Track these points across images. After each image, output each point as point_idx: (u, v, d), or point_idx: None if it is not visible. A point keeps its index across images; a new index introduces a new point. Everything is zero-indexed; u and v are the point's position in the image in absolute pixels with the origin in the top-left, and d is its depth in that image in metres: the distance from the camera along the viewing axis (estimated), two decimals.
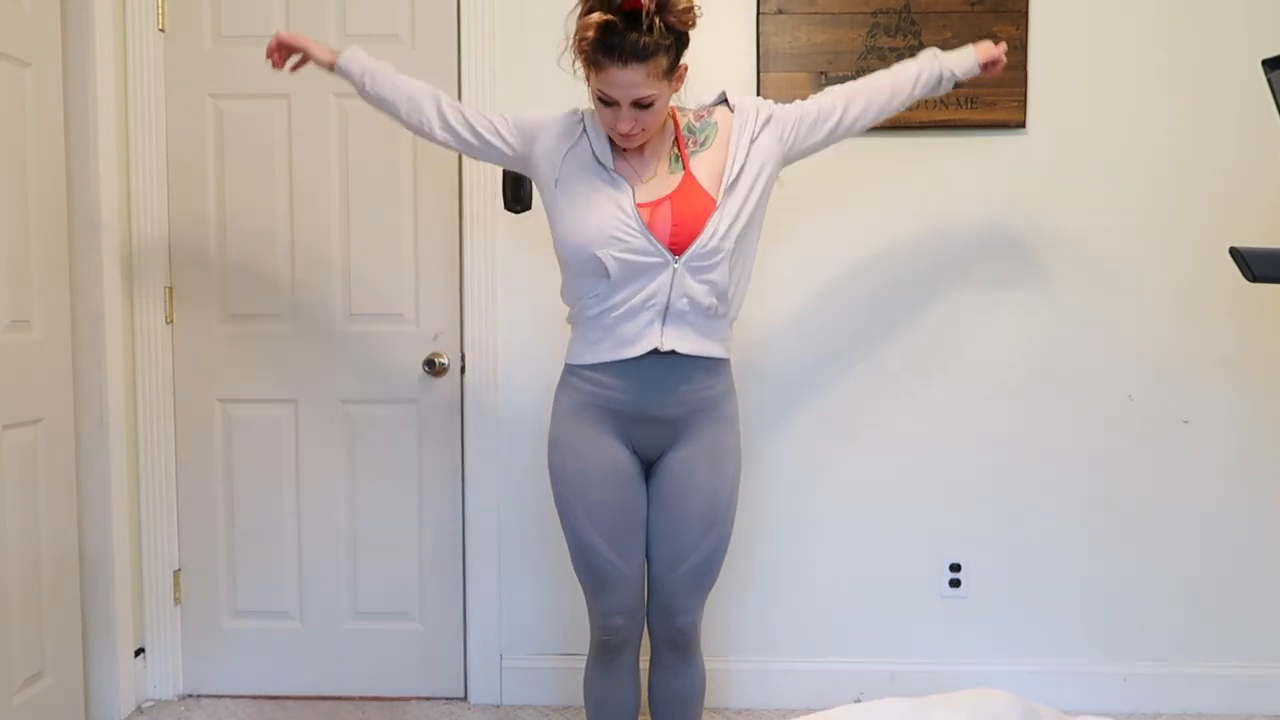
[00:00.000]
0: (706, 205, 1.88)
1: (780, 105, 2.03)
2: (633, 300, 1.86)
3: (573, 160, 1.91)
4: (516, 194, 2.68)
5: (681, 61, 1.86)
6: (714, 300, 1.89)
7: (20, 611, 2.36)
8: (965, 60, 2.15)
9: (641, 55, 1.74)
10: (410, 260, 2.74)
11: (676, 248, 1.86)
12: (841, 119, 2.06)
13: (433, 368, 2.73)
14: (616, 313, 1.88)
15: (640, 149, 1.93)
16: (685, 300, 1.87)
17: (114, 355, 2.63)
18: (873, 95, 2.08)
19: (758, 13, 2.62)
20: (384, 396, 2.76)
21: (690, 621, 2.00)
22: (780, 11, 2.61)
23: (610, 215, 1.85)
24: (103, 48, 2.56)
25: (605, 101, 1.81)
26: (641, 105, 1.80)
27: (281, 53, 2.09)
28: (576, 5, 1.80)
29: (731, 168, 1.90)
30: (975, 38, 2.58)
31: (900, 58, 2.58)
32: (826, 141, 2.09)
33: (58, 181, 2.50)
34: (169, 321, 2.78)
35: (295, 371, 2.77)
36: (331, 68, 2.07)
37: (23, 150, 2.36)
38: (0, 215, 2.29)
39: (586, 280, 1.90)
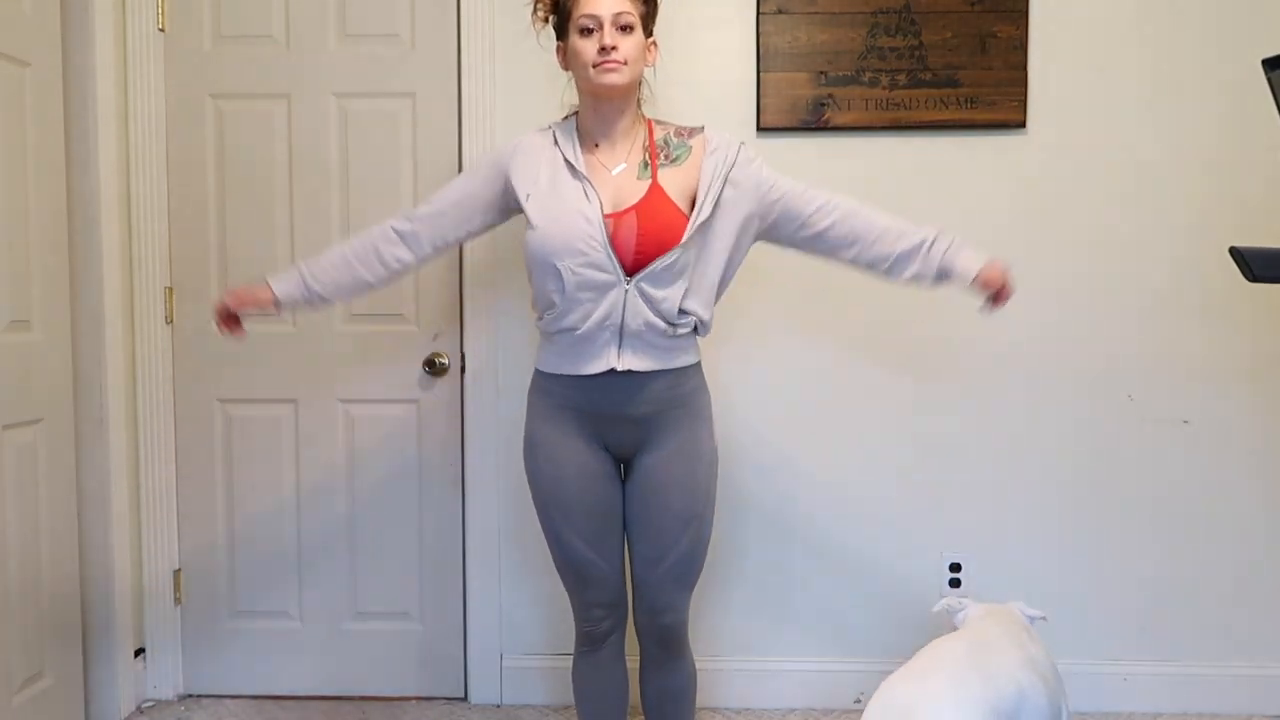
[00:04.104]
0: (674, 220, 1.88)
1: (769, 170, 1.99)
2: (588, 322, 1.89)
3: (546, 171, 1.94)
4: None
5: (651, 36, 1.97)
6: (669, 323, 1.91)
7: (20, 611, 2.36)
8: (968, 265, 1.96)
9: None
10: None
11: (639, 261, 1.87)
12: (822, 231, 1.98)
13: (433, 368, 2.73)
14: (575, 333, 1.90)
15: (610, 137, 1.95)
16: (640, 321, 1.89)
17: (114, 355, 2.63)
18: (863, 229, 1.97)
19: (758, 12, 2.62)
20: (384, 396, 2.76)
21: (677, 620, 2.01)
22: (780, 11, 2.61)
23: (576, 226, 1.86)
24: (103, 48, 2.56)
25: (588, 30, 1.88)
26: (622, 28, 1.88)
27: (229, 321, 2.02)
28: None
29: (703, 207, 1.89)
30: (975, 37, 2.60)
31: (900, 58, 2.61)
32: (796, 240, 2.01)
33: (58, 181, 2.50)
34: (169, 321, 2.78)
35: (295, 371, 2.77)
36: (277, 303, 2.00)
37: (23, 150, 2.36)
38: (0, 215, 2.29)
39: (545, 293, 1.92)
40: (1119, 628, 2.72)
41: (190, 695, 2.85)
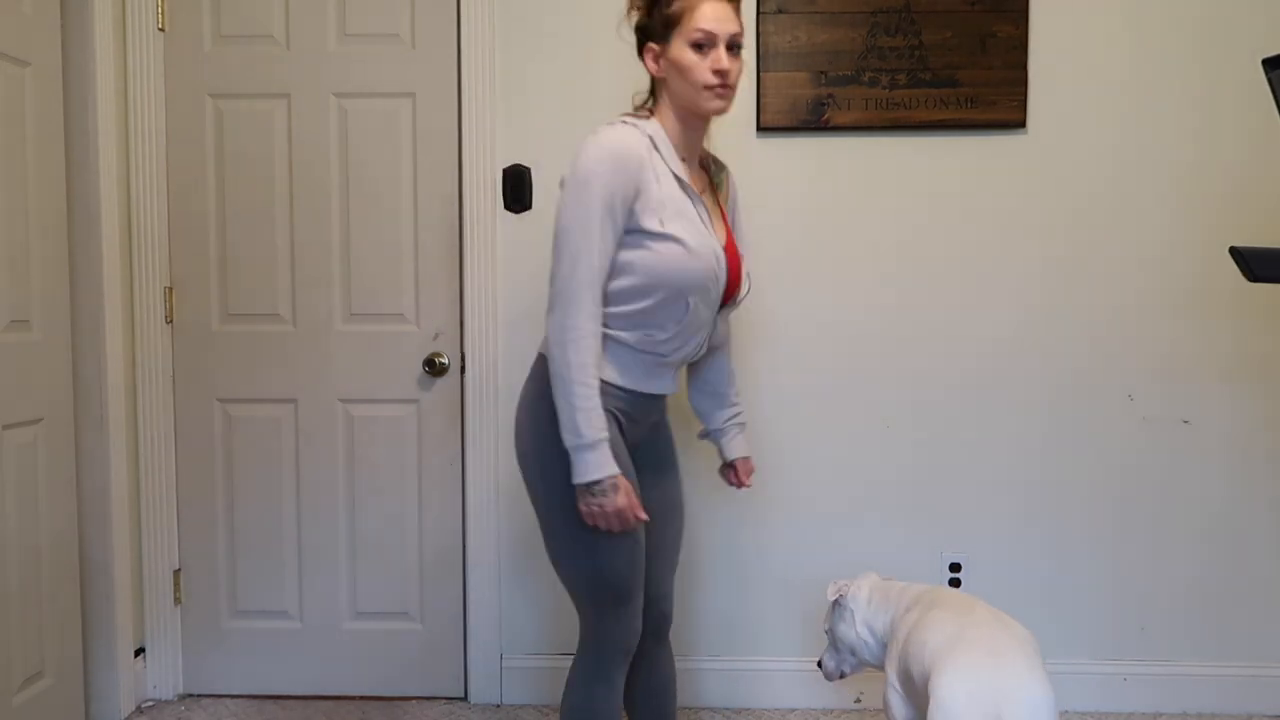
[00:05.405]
0: (735, 254, 1.92)
1: None
2: (680, 354, 1.86)
3: (663, 184, 1.78)
4: (517, 194, 2.69)
5: None
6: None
7: (20, 611, 2.36)
8: (734, 447, 2.12)
9: None
10: (410, 260, 2.74)
11: (726, 299, 1.90)
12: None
13: (433, 368, 2.73)
14: (665, 360, 1.85)
15: (692, 154, 1.89)
16: (704, 349, 1.93)
17: (114, 355, 2.63)
18: (716, 360, 2.09)
19: (758, 12, 2.61)
20: (384, 396, 2.77)
21: (672, 604, 2.06)
22: (780, 11, 2.61)
23: (710, 262, 1.80)
24: (103, 48, 2.56)
25: (700, 45, 1.76)
26: (732, 48, 1.80)
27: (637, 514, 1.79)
28: None
29: (746, 255, 1.95)
30: (975, 37, 2.60)
31: (900, 57, 2.61)
32: None
33: (58, 181, 2.50)
34: (169, 321, 2.78)
35: (295, 371, 2.77)
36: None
37: (23, 150, 2.36)
38: (0, 215, 2.29)
39: (656, 317, 1.79)
40: (1119, 628, 2.72)
41: (190, 695, 2.85)
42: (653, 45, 1.83)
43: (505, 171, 2.68)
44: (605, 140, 1.75)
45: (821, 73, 2.62)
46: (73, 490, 2.57)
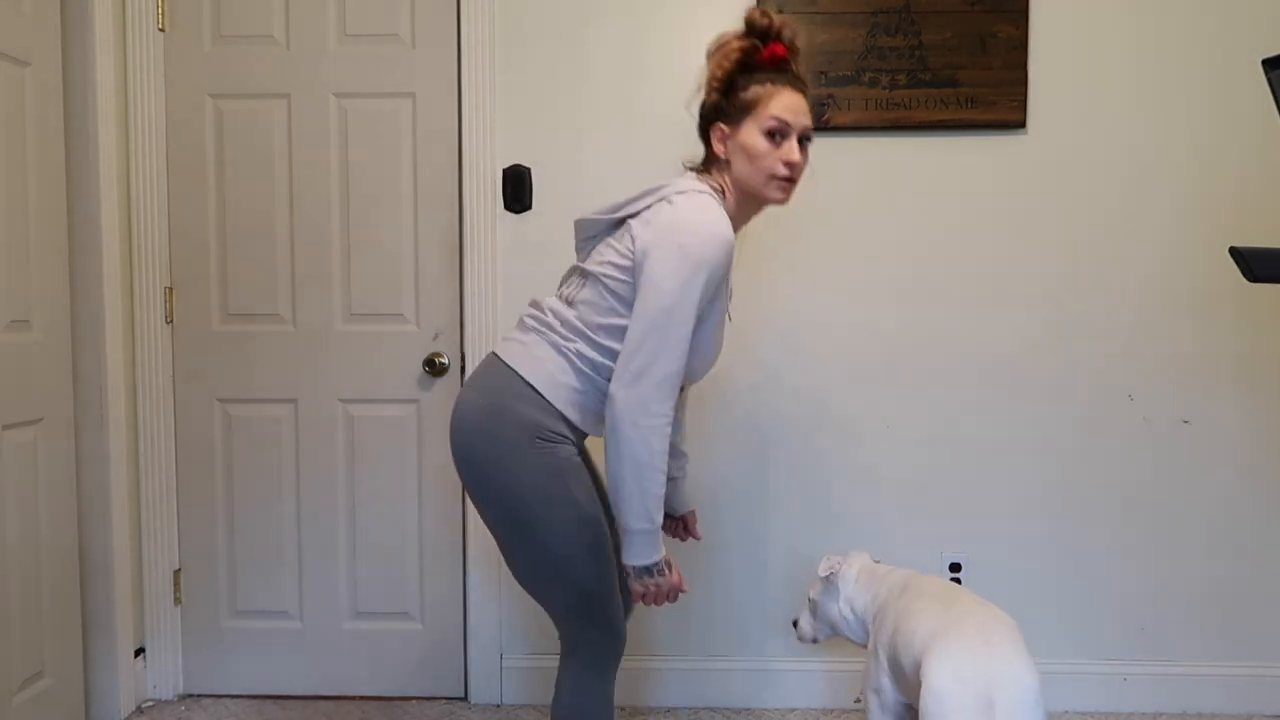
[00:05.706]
0: None
1: None
2: None
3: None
4: (517, 194, 2.69)
5: None
6: None
7: (20, 611, 2.36)
8: (688, 501, 2.18)
9: (804, 86, 1.81)
10: (410, 260, 2.74)
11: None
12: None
13: (433, 368, 2.73)
14: None
15: (737, 233, 1.86)
16: None
17: (114, 355, 2.63)
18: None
19: None
20: (384, 396, 2.77)
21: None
22: (780, 11, 2.61)
23: (716, 355, 1.85)
24: (103, 48, 2.56)
25: (773, 134, 1.76)
26: (803, 140, 1.79)
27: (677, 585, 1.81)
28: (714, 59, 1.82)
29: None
30: (975, 37, 2.60)
31: (900, 57, 2.62)
32: None
33: (58, 181, 2.50)
34: (169, 321, 2.78)
35: (295, 371, 2.77)
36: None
37: (23, 150, 2.36)
38: (0, 215, 2.29)
39: None
40: (1119, 628, 2.72)
41: (190, 695, 2.85)
42: (722, 126, 1.81)
43: (505, 171, 2.68)
44: (713, 220, 1.71)
45: (821, 73, 2.62)
46: (73, 490, 2.57)
